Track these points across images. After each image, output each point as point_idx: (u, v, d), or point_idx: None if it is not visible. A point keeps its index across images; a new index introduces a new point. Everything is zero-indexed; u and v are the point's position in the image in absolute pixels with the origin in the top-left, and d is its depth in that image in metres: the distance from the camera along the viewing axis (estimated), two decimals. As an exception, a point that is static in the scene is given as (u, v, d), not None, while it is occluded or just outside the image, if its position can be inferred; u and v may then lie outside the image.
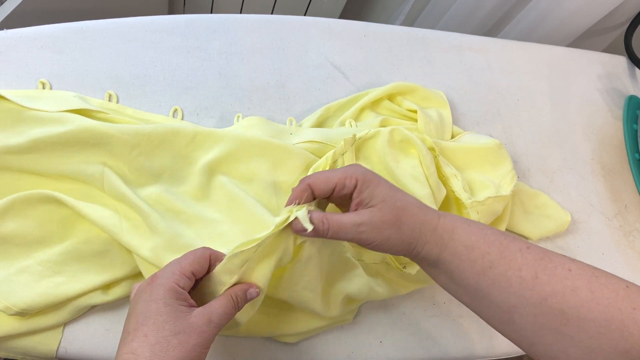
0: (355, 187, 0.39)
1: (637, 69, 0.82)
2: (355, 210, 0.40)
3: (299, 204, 0.40)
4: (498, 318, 0.38)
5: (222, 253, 0.40)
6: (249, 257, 0.39)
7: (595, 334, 0.33)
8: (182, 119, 0.57)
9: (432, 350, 0.55)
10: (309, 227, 0.38)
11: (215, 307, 0.37)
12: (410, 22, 1.07)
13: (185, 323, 0.34)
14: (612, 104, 0.78)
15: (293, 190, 0.40)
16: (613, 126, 0.77)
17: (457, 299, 0.41)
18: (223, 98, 0.60)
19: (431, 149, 0.57)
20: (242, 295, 0.39)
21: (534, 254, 0.37)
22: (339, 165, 0.51)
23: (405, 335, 0.55)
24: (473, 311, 0.40)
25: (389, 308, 0.56)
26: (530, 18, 0.85)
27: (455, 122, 0.67)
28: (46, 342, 0.46)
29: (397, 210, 0.39)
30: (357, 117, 0.62)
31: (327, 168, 0.50)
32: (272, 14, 1.10)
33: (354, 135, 0.51)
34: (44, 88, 0.54)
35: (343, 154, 0.51)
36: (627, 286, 0.34)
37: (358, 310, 0.54)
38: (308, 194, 0.40)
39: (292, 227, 0.39)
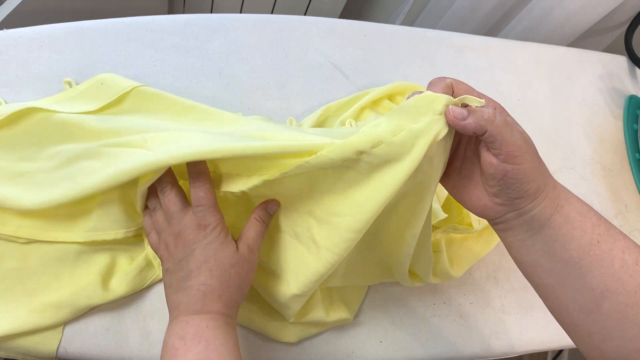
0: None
1: (637, 68, 0.82)
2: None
3: None
4: (582, 304, 0.35)
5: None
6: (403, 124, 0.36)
7: None
8: (182, 118, 0.57)
9: (432, 350, 0.55)
10: (482, 103, 0.35)
11: (249, 235, 0.43)
12: (410, 21, 1.07)
13: (237, 256, 0.41)
14: (612, 104, 0.78)
15: (430, 84, 0.37)
16: (613, 126, 0.77)
17: (536, 281, 0.38)
18: (223, 98, 0.60)
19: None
20: (265, 213, 0.44)
21: (633, 242, 0.35)
22: None
23: (405, 335, 0.55)
24: (549, 297, 0.37)
25: (389, 308, 0.56)
26: (530, 18, 0.85)
27: (455, 122, 0.66)
28: (46, 342, 0.46)
29: (535, 149, 0.36)
30: (357, 117, 0.62)
31: None
32: (272, 13, 1.10)
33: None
34: (70, 86, 0.54)
35: None
36: None
37: (358, 309, 0.54)
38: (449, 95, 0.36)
39: (449, 113, 0.35)
